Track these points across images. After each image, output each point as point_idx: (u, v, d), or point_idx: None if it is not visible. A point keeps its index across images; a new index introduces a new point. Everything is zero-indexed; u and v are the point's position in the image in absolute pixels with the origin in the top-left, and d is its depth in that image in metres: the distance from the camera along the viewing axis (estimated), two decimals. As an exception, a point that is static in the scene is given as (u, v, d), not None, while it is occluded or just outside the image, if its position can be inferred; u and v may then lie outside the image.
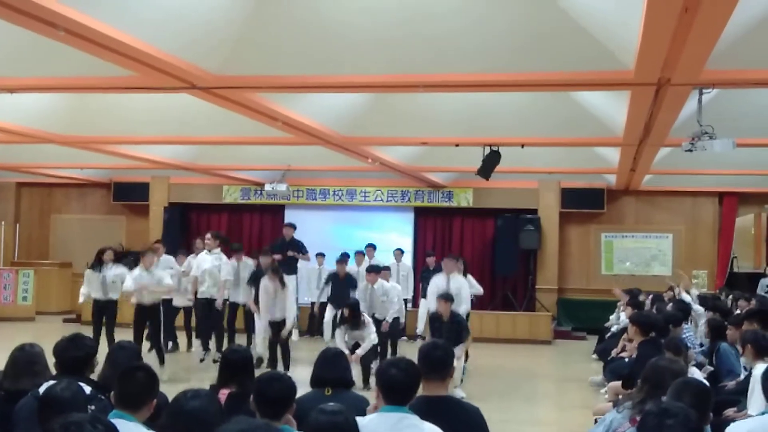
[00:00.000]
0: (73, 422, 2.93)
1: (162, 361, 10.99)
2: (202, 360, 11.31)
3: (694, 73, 6.59)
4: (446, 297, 10.15)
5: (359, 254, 14.98)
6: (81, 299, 11.67)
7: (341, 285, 13.51)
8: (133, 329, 10.97)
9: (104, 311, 11.13)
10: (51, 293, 18.29)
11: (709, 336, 8.82)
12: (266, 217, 18.86)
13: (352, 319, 10.37)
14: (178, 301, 12.70)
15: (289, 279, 11.73)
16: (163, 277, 11.16)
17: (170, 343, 12.77)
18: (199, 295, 11.36)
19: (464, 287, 11.22)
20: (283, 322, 11.02)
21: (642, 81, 6.83)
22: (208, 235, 11.66)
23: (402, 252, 15.86)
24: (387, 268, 13.43)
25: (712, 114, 7.86)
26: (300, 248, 14.37)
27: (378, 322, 11.20)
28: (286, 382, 4.02)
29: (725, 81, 7.10)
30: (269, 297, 10.97)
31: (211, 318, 11.42)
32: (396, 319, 11.77)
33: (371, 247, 15.41)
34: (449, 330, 9.97)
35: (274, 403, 3.89)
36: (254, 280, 11.88)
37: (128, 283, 10.84)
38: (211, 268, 11.21)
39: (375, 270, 11.92)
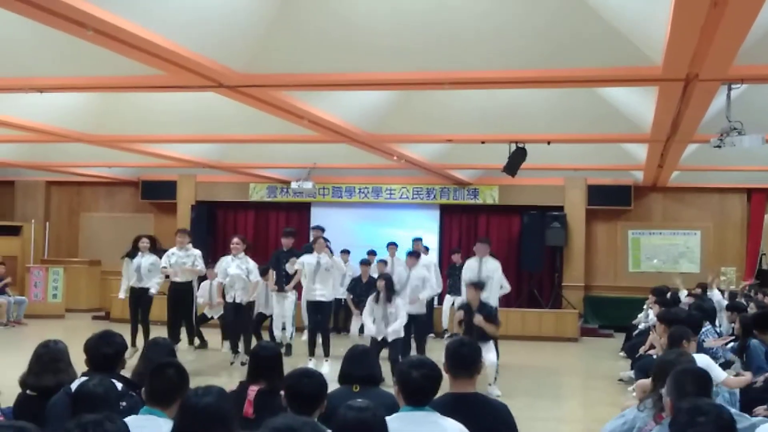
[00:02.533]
0: (90, 421, 2.97)
1: (191, 341, 11.82)
2: (231, 363, 11.38)
3: (722, 69, 6.53)
4: (476, 285, 10.13)
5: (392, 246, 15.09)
6: (122, 295, 12.07)
7: (365, 288, 13.56)
8: (168, 312, 11.63)
9: (140, 300, 11.66)
10: (80, 291, 18.50)
11: (740, 333, 8.74)
12: (292, 215, 18.92)
13: (387, 291, 10.40)
14: (210, 313, 13.12)
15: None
16: (196, 256, 11.72)
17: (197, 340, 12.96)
18: (227, 299, 11.44)
19: (497, 270, 11.19)
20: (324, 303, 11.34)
21: (670, 77, 6.78)
22: (236, 239, 11.70)
23: (396, 246, 15.25)
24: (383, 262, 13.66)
25: (740, 109, 7.79)
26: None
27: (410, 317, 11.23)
28: (317, 379, 4.03)
29: (754, 76, 7.02)
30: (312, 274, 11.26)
31: (239, 321, 11.48)
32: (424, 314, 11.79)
33: (393, 245, 15.39)
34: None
35: (305, 400, 3.91)
36: (276, 261, 12.18)
37: (164, 260, 11.64)
38: (237, 273, 11.28)
39: (415, 255, 12.06)
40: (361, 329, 14.13)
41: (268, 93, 8.32)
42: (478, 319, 9.68)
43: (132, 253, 11.85)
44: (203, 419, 3.40)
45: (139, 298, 11.70)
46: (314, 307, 11.36)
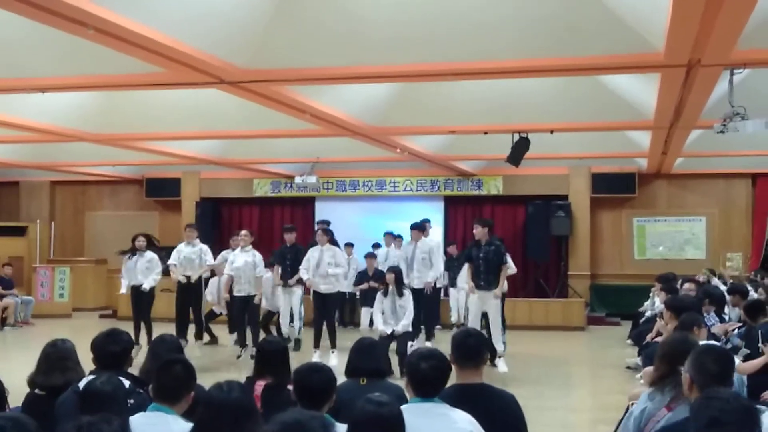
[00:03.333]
0: (88, 423, 2.98)
1: (200, 336, 12.07)
2: (239, 357, 11.42)
3: (724, 54, 6.51)
4: (482, 222, 10.49)
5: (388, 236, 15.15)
6: (123, 290, 12.26)
7: (371, 281, 13.59)
8: (176, 308, 11.91)
9: (139, 298, 11.77)
10: (87, 290, 18.52)
11: (746, 318, 8.71)
12: (297, 210, 18.94)
13: (396, 285, 10.44)
14: (219, 309, 13.18)
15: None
16: (203, 250, 12.02)
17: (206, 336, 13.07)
18: (235, 293, 11.45)
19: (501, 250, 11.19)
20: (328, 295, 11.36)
21: (672, 63, 6.76)
22: (244, 232, 11.78)
23: (394, 236, 15.38)
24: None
25: (743, 94, 7.76)
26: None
27: (416, 292, 11.30)
28: (325, 373, 4.03)
29: (756, 61, 7.00)
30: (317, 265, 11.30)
31: (246, 315, 11.52)
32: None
33: (389, 235, 15.45)
34: (487, 253, 10.06)
35: (314, 394, 3.92)
36: (280, 257, 12.28)
37: (174, 255, 11.97)
38: (244, 266, 11.32)
39: (419, 228, 12.20)
40: (371, 322, 14.22)
41: (270, 88, 8.31)
42: (497, 294, 10.24)
43: (129, 251, 11.98)
44: (231, 414, 3.41)
45: (139, 296, 11.80)
46: (320, 298, 11.40)
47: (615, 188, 17.30)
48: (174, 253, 12.08)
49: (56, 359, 4.92)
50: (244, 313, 11.48)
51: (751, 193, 17.36)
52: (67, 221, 20.55)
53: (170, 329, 10.81)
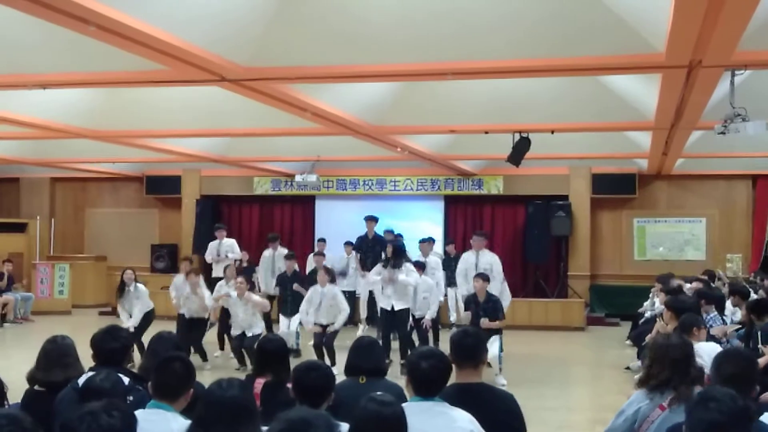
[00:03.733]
0: (88, 412, 2.97)
1: (204, 358, 11.43)
2: (237, 369, 11.17)
3: (725, 55, 6.50)
4: (483, 276, 10.35)
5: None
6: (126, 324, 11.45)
7: (370, 245, 13.65)
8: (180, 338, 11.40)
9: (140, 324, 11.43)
10: (87, 286, 18.54)
11: (746, 319, 8.72)
12: (297, 208, 18.94)
13: (394, 258, 10.44)
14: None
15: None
16: (232, 244, 12.37)
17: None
18: (233, 331, 11.34)
19: (495, 263, 11.40)
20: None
21: (673, 63, 6.75)
22: (240, 279, 11.48)
23: (395, 234, 15.09)
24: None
25: (744, 96, 7.75)
26: (382, 245, 13.91)
27: (416, 321, 11.37)
28: (323, 371, 4.07)
29: (758, 62, 6.99)
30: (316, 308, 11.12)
31: (248, 341, 11.30)
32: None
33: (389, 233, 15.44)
34: (485, 310, 10.06)
35: (312, 392, 3.95)
36: (281, 287, 12.37)
37: (172, 292, 11.86)
38: (243, 316, 11.17)
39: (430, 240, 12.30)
40: (369, 320, 14.21)
41: (271, 86, 8.31)
42: (486, 323, 9.88)
43: (120, 288, 11.63)
44: (230, 412, 3.41)
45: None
46: (320, 335, 11.09)
47: (615, 189, 17.29)
48: (172, 290, 11.93)
49: (56, 356, 4.93)
50: (240, 344, 11.27)
51: (752, 194, 17.35)
52: (68, 218, 20.54)
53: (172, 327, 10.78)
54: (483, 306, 10.17)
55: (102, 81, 8.52)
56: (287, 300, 12.29)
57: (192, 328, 11.44)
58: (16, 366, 5.64)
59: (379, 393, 3.42)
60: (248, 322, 11.08)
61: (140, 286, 11.64)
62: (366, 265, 13.98)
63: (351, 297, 14.98)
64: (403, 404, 3.77)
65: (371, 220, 15.08)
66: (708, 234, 17.39)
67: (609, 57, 6.99)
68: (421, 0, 6.72)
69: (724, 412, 3.01)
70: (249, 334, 11.00)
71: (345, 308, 11.15)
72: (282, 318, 12.34)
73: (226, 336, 11.94)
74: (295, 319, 11.93)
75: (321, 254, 13.79)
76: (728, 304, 10.63)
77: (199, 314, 11.51)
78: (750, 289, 11.09)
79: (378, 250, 12.39)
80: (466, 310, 10.56)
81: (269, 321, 12.51)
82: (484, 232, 12.77)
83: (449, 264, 14.32)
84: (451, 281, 14.36)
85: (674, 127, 10.34)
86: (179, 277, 11.96)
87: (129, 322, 11.26)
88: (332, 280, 11.61)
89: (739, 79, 7.60)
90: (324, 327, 10.96)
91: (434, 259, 13.44)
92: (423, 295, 11.41)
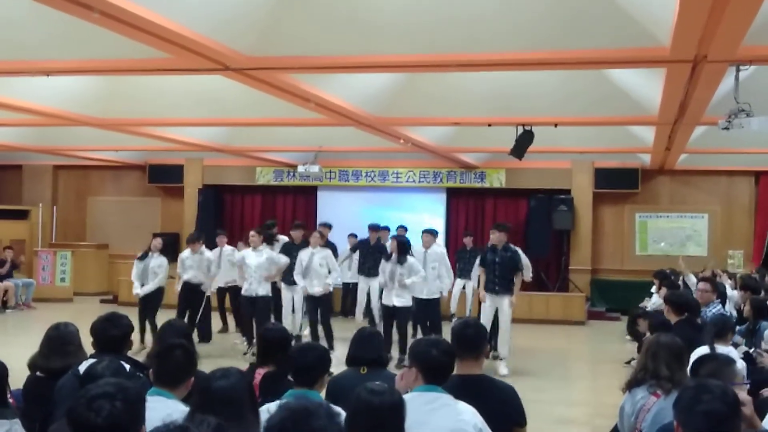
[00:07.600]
0: (95, 395, 2.72)
1: (207, 339, 12.04)
2: (245, 354, 11.29)
3: (731, 50, 6.48)
4: (499, 227, 10.59)
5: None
6: (136, 291, 11.87)
7: (371, 251, 13.59)
8: (178, 307, 11.79)
9: (146, 301, 11.66)
10: (88, 274, 18.58)
11: (751, 315, 8.69)
12: (299, 199, 18.96)
13: (399, 254, 10.49)
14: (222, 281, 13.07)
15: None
16: (211, 262, 12.04)
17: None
18: (243, 293, 11.35)
19: (522, 258, 11.02)
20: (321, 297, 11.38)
21: (678, 58, 6.74)
22: (252, 233, 11.66)
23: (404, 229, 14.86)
24: None
25: (749, 91, 7.73)
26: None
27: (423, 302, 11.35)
28: (318, 351, 4.19)
29: (763, 57, 6.97)
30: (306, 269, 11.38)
31: (255, 314, 11.39)
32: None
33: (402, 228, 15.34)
34: (503, 258, 10.07)
35: (308, 371, 4.05)
36: (287, 255, 12.14)
37: (180, 267, 12.08)
38: (256, 266, 11.23)
39: (432, 232, 12.16)
40: (365, 313, 14.19)
41: (275, 76, 8.30)
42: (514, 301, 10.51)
43: (143, 255, 11.85)
44: (217, 402, 3.41)
45: (144, 299, 11.67)
46: (313, 300, 11.45)
47: (618, 183, 17.28)
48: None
49: (58, 343, 4.94)
50: (252, 313, 11.36)
51: (754, 190, 17.34)
52: (70, 206, 20.56)
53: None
54: (501, 254, 10.21)
55: (105, 69, 8.51)
56: (291, 270, 12.18)
57: (192, 292, 11.87)
58: (17, 352, 5.65)
59: (377, 383, 3.39)
60: (259, 276, 11.22)
61: (162, 258, 11.81)
62: (364, 270, 13.86)
63: (354, 289, 14.95)
64: (408, 395, 3.74)
65: (374, 229, 14.45)
66: (710, 230, 17.39)
67: (613, 50, 6.97)
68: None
69: (724, 403, 3.02)
70: (256, 293, 11.19)
71: (336, 268, 11.62)
72: (283, 285, 12.31)
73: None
74: (298, 290, 12.03)
75: (326, 225, 13.91)
76: (734, 294, 10.64)
77: (198, 279, 11.89)
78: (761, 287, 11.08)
79: (378, 257, 12.22)
80: (481, 264, 10.65)
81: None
82: (505, 224, 11.52)
83: (464, 256, 14.29)
84: (462, 273, 14.29)
85: (678, 122, 10.32)
86: (185, 252, 12.18)
87: (140, 289, 11.60)
88: (325, 245, 11.87)
89: (743, 74, 7.57)
90: (316, 300, 11.32)
91: (438, 251, 12.39)
92: (432, 265, 11.50)
